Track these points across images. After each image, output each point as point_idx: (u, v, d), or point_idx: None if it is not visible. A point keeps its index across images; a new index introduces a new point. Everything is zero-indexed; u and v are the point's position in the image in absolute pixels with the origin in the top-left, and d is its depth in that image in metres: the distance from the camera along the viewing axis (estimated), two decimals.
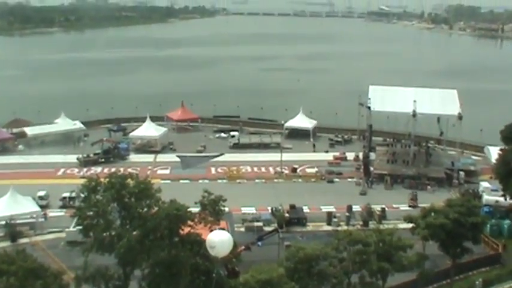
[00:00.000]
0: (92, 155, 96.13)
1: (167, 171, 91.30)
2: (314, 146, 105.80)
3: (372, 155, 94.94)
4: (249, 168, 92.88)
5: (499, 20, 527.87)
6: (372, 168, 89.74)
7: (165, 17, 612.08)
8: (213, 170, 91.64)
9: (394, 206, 76.34)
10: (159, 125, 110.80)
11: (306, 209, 74.06)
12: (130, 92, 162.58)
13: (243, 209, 73.28)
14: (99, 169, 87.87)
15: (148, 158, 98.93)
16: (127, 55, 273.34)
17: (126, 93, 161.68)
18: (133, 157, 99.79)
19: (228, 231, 53.35)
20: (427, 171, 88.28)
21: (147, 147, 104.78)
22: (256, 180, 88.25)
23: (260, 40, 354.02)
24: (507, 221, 67.17)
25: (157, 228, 43.97)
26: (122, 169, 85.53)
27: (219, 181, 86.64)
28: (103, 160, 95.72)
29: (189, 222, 44.77)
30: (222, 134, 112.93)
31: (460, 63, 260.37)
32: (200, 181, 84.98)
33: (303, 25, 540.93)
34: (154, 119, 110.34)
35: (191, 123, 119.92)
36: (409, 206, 76.67)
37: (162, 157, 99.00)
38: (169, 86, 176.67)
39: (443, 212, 53.11)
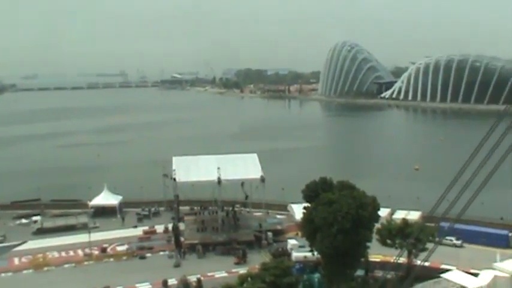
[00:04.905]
0: None
1: None
2: (123, 219, 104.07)
3: (182, 225, 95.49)
4: (56, 254, 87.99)
5: (284, 81, 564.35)
6: (182, 239, 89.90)
7: None
8: (16, 260, 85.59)
9: (209, 274, 76.62)
10: None
11: None
12: None
13: None
14: None
15: None
16: None
17: None
18: None
19: None
20: (236, 236, 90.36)
21: None
22: (65, 265, 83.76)
23: (53, 116, 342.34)
24: (317, 275, 70.52)
25: None
26: None
27: (25, 272, 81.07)
28: None
29: None
30: (23, 220, 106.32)
31: (255, 124, 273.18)
32: (3, 274, 79.31)
33: (97, 97, 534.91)
34: None
35: None
36: (236, 264, 79.53)
37: None
38: None
39: (260, 276, 54.71)
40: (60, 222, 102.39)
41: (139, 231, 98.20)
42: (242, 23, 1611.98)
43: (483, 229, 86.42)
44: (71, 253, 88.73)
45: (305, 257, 76.00)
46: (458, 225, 78.71)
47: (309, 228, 65.55)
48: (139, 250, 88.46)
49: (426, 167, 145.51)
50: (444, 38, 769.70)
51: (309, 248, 71.46)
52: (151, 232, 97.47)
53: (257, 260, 76.68)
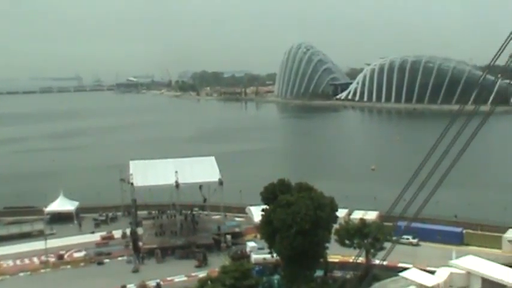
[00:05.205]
0: None
1: None
2: (80, 225, 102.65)
3: (140, 230, 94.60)
4: (10, 262, 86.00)
5: (240, 83, 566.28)
6: (140, 244, 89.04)
7: None
8: None
9: (169, 278, 76.11)
10: None
11: None
12: None
13: None
14: None
15: None
16: None
17: None
18: None
19: None
20: (195, 239, 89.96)
21: None
22: (21, 274, 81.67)
23: (5, 121, 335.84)
24: (276, 276, 70.94)
25: None
26: None
27: None
28: None
29: None
30: None
31: (212, 127, 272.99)
32: None
33: (51, 102, 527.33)
34: None
35: None
36: (197, 267, 79.26)
37: None
38: None
39: (220, 279, 54.66)
40: (15, 229, 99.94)
41: (96, 237, 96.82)
42: (197, 26, 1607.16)
43: (438, 227, 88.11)
44: (27, 261, 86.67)
45: (264, 259, 76.12)
46: (414, 224, 79.84)
47: (268, 230, 65.77)
48: (97, 256, 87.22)
49: (382, 167, 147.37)
50: (398, 39, 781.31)
51: (268, 250, 71.66)
52: (109, 237, 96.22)
53: (217, 263, 76.53)
